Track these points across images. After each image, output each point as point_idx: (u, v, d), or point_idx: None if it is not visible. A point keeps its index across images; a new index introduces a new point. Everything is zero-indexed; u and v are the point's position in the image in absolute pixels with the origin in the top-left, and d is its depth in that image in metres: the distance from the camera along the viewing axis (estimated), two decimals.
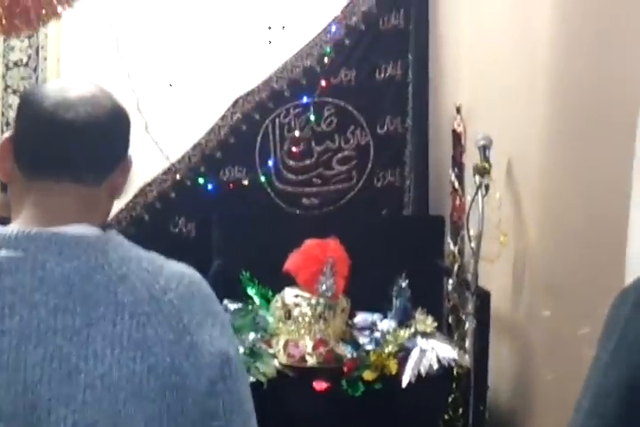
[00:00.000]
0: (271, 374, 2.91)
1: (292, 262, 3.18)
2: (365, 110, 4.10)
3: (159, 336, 1.15)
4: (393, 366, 2.97)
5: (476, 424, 2.95)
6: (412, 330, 3.10)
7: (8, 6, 3.32)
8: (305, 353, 2.98)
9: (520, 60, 3.04)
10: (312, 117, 4.05)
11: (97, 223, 1.21)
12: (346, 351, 3.03)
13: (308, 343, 3.01)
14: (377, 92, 4.10)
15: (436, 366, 2.95)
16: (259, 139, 4.05)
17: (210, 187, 4.02)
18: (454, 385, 2.99)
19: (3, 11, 3.32)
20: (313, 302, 3.08)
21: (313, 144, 4.09)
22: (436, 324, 3.16)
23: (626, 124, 2.13)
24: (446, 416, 3.02)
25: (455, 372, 2.98)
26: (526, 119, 2.96)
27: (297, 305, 3.10)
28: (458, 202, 3.59)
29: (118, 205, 3.74)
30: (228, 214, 3.91)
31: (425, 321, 3.15)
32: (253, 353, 2.95)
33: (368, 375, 2.96)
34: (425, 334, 3.10)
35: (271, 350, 3.02)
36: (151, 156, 3.89)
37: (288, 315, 3.10)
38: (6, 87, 3.97)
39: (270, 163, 4.06)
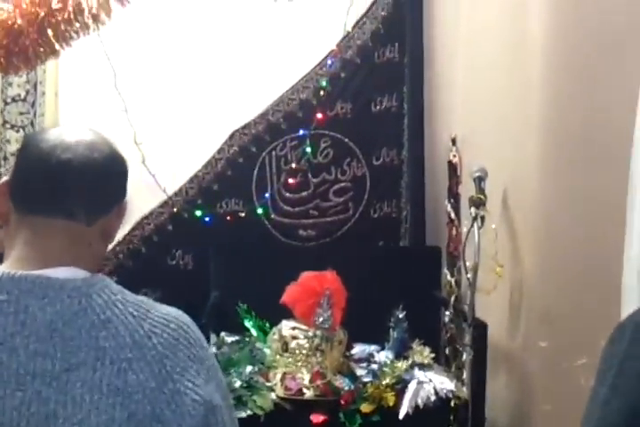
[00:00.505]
0: (268, 408, 2.90)
1: (289, 295, 3.18)
2: (361, 142, 4.12)
3: (140, 383, 1.13)
4: (390, 398, 2.97)
5: None
6: (410, 361, 3.10)
7: (6, 45, 3.33)
8: (302, 386, 2.98)
9: (513, 91, 3.06)
10: (308, 150, 4.06)
11: (87, 266, 1.21)
12: (343, 384, 3.03)
13: (305, 376, 3.00)
14: (373, 125, 4.12)
15: (433, 398, 2.94)
16: (255, 171, 4.06)
17: (207, 219, 4.02)
18: (452, 417, 2.97)
19: (1, 49, 3.32)
20: (310, 334, 3.08)
21: (309, 176, 4.10)
22: (433, 355, 3.16)
23: (620, 152, 2.14)
24: None
25: (453, 403, 2.97)
26: (520, 149, 2.97)
27: (294, 338, 3.10)
28: (454, 233, 3.60)
29: (116, 238, 3.73)
30: (225, 247, 3.90)
31: (422, 352, 3.15)
32: (250, 386, 2.95)
33: (365, 408, 2.95)
34: (422, 366, 3.09)
35: (268, 383, 3.01)
36: (148, 189, 3.90)
37: (285, 347, 3.09)
38: (4, 122, 3.99)
39: (267, 195, 4.06)
